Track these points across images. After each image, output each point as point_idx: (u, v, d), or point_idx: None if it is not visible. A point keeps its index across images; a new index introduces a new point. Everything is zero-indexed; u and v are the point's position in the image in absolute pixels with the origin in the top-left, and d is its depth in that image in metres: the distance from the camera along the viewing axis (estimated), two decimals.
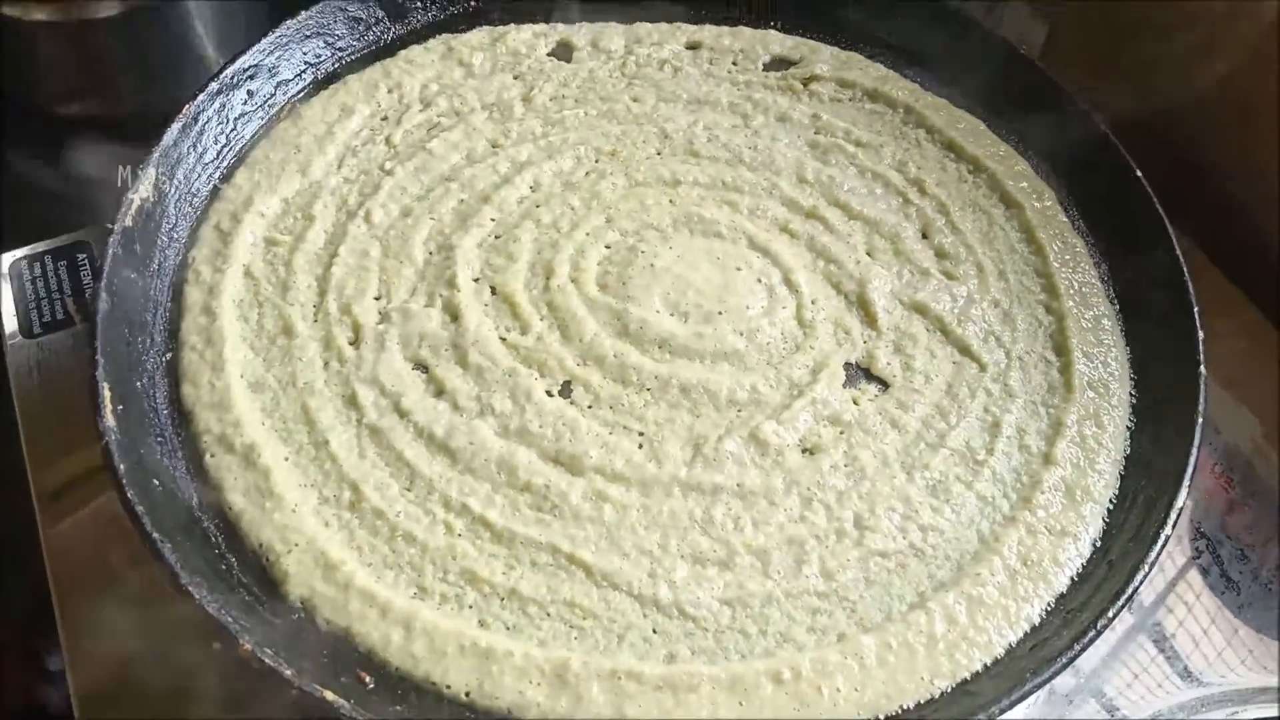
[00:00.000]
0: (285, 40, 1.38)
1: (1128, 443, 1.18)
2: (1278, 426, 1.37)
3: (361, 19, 1.45)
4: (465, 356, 1.17)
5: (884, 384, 1.20)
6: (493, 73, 1.44)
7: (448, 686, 0.98)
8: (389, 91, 1.41)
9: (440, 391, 1.16)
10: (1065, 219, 1.34)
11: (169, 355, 1.17)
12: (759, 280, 1.26)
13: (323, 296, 1.22)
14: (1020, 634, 1.04)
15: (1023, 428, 1.17)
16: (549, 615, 1.02)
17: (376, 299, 1.23)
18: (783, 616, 1.04)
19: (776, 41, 1.49)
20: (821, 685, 0.99)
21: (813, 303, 1.24)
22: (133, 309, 1.17)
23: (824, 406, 1.16)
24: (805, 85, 1.45)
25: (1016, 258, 1.31)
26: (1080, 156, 1.36)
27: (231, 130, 1.33)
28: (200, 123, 1.29)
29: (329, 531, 1.06)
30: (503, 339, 1.20)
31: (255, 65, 1.35)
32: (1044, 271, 1.29)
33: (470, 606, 1.03)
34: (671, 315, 1.22)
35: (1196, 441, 1.11)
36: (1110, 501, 1.13)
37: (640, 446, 1.13)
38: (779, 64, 1.48)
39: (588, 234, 1.28)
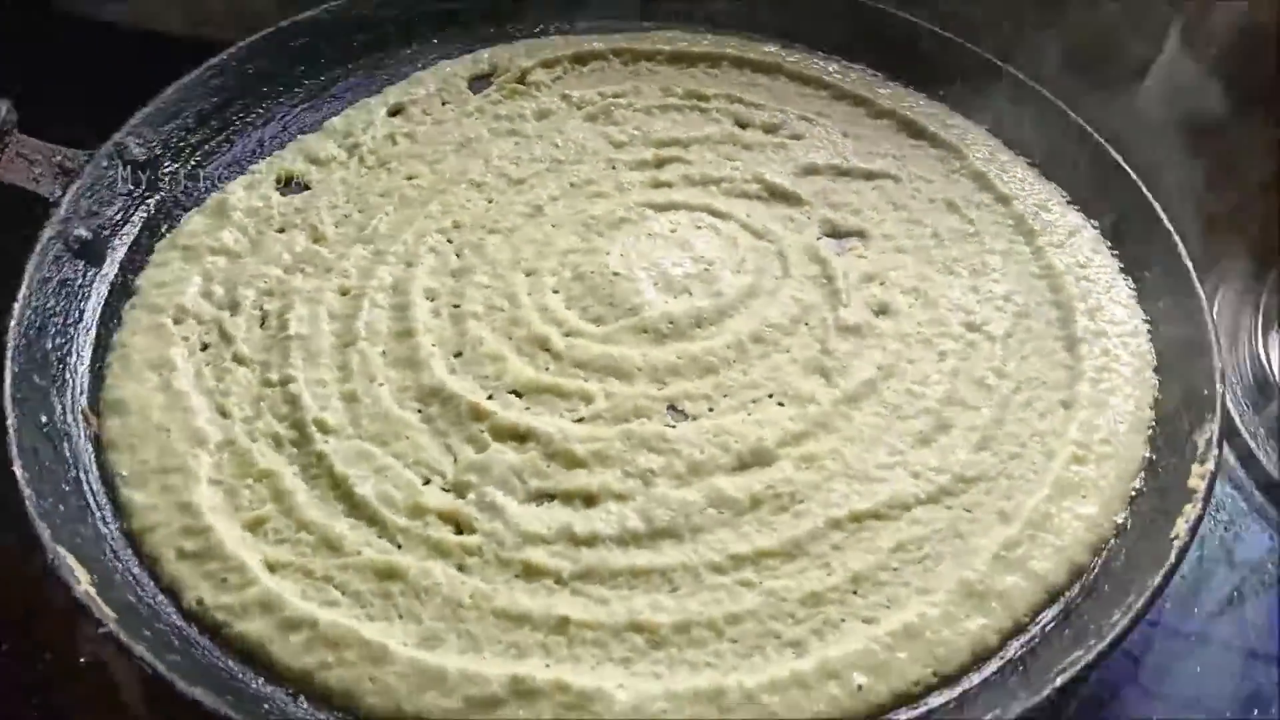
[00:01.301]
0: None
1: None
2: None
3: (70, 279, 1.14)
4: (573, 455, 1.02)
5: (860, 234, 1.24)
6: (258, 240, 1.21)
7: None
8: (177, 323, 1.13)
9: (589, 500, 1.00)
10: (806, 53, 1.46)
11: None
12: (696, 227, 1.23)
13: (375, 523, 0.98)
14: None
15: (968, 195, 1.29)
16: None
17: (426, 483, 1.01)
18: (1026, 428, 1.06)
19: (458, 67, 1.42)
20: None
21: (748, 216, 1.25)
22: None
23: (850, 275, 1.19)
24: (523, 83, 1.40)
25: (810, 99, 1.40)
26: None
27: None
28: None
29: None
30: (580, 420, 1.05)
31: None
32: (841, 94, 1.40)
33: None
34: (677, 297, 1.16)
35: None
36: None
37: (782, 404, 1.08)
38: (480, 82, 1.41)
39: (529, 294, 1.16)
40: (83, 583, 0.89)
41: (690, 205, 1.25)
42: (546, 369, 1.09)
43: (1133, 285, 1.20)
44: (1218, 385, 1.04)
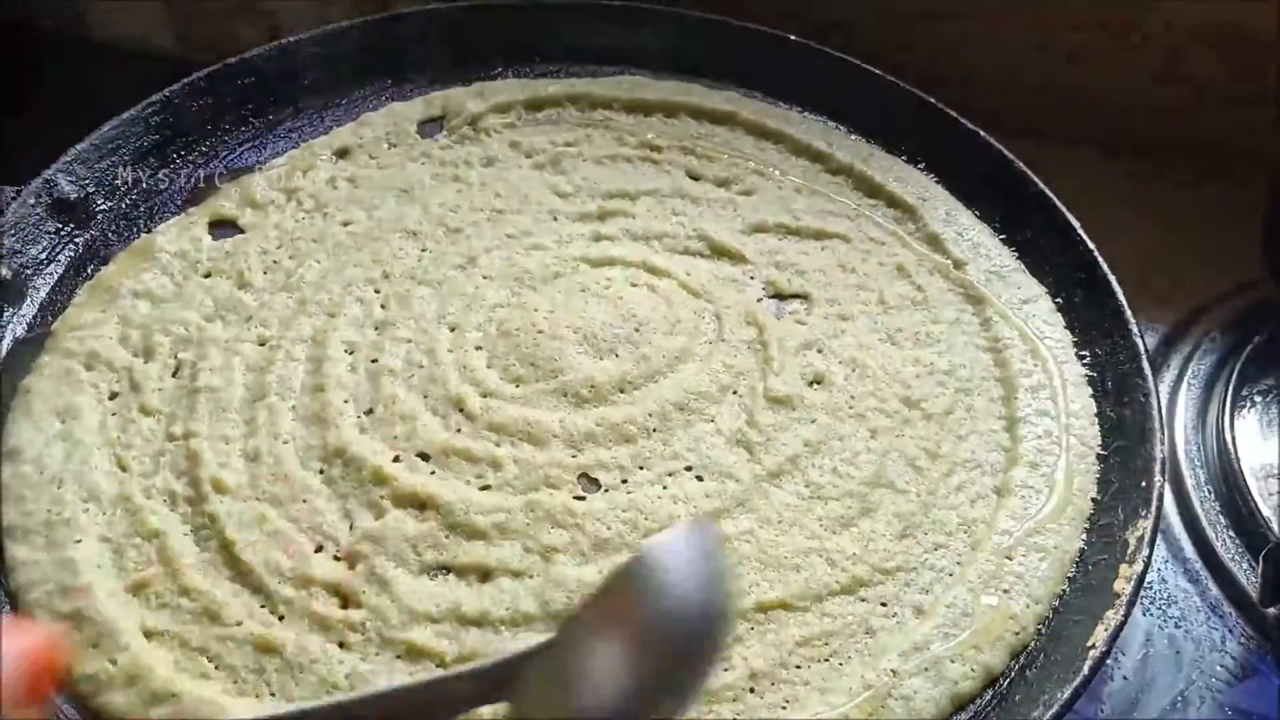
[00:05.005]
0: None
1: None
2: None
3: None
4: (473, 526, 0.98)
5: (804, 297, 1.19)
6: (183, 285, 1.18)
7: None
8: (89, 369, 1.10)
9: (485, 575, 0.95)
10: (765, 103, 1.41)
11: None
12: (631, 285, 1.19)
13: (260, 591, 0.94)
14: None
15: (920, 259, 1.23)
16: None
17: (318, 550, 0.97)
18: (954, 515, 1.01)
19: (407, 109, 1.38)
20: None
21: (687, 274, 1.20)
22: None
23: (789, 340, 1.14)
24: (475, 129, 1.36)
25: (767, 151, 1.35)
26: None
27: None
28: None
29: None
30: (486, 488, 1.01)
31: None
32: (798, 148, 1.35)
33: None
34: (602, 359, 1.11)
35: None
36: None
37: (700, 479, 1.03)
38: (431, 125, 1.38)
39: (450, 350, 1.12)
40: None
41: (628, 261, 1.20)
42: (459, 430, 1.05)
43: (1087, 362, 1.14)
44: (1156, 478, 0.98)
